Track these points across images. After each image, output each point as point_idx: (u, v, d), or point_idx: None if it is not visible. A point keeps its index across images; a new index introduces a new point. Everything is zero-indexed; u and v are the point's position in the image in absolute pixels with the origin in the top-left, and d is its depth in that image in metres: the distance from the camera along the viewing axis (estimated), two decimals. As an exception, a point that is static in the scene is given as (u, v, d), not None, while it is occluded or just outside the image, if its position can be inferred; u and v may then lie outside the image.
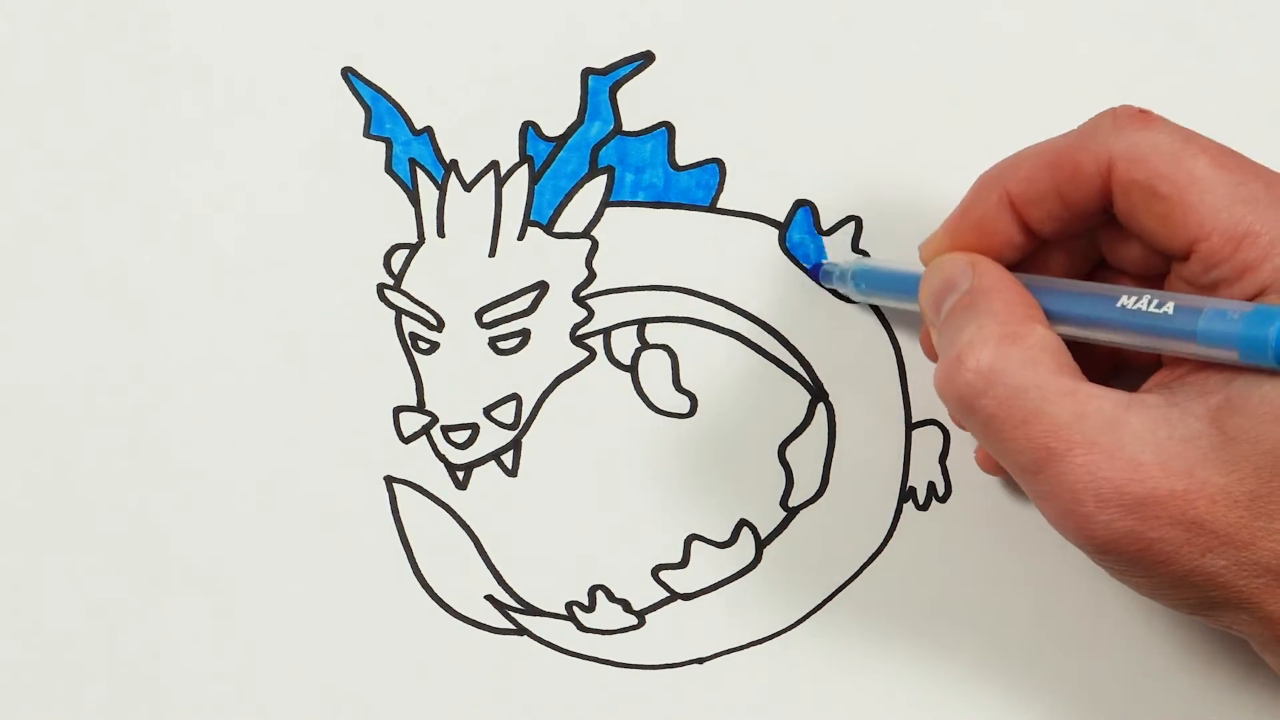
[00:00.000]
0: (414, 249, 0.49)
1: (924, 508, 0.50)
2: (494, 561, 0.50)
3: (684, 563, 0.50)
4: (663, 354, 0.49)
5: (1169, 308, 0.38)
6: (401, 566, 0.50)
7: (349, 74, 0.49)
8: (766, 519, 0.50)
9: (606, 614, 0.50)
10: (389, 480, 0.50)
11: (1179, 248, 0.39)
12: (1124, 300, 0.39)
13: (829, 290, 0.49)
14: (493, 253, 0.49)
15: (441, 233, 0.49)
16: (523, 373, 0.49)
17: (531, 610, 0.50)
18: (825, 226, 0.49)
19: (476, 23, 0.49)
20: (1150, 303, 0.39)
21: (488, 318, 0.49)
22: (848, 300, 0.49)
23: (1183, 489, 0.37)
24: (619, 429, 0.50)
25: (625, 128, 0.49)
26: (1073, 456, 0.38)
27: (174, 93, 0.49)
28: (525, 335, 0.49)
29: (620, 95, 0.49)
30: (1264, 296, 0.38)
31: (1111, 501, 0.38)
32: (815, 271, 0.49)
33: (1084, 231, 0.43)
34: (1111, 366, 0.45)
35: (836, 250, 0.49)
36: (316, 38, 0.49)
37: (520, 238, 0.49)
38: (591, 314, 0.49)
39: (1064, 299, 0.41)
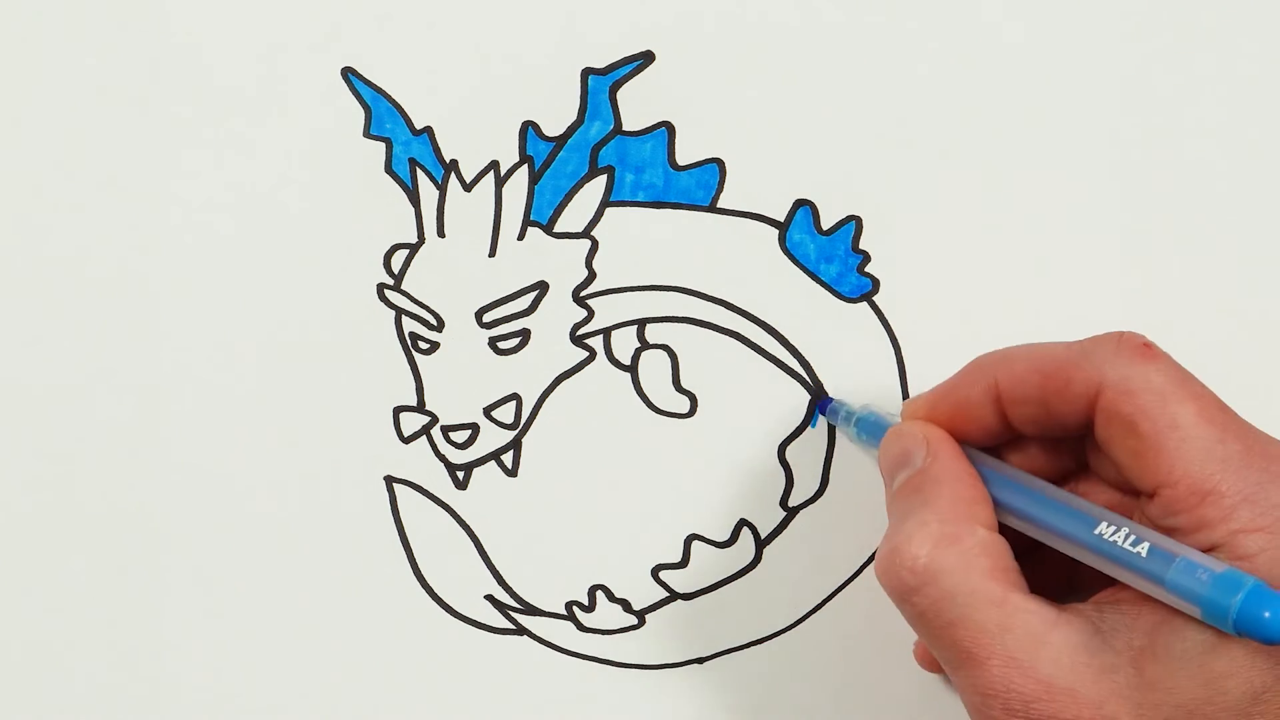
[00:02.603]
0: (414, 249, 0.49)
1: (924, 508, 0.50)
2: (494, 561, 0.50)
3: (684, 563, 0.50)
4: (663, 354, 0.49)
5: (1143, 549, 0.38)
6: (401, 566, 0.50)
7: (349, 74, 0.49)
8: (766, 519, 0.50)
9: (606, 614, 0.50)
10: (389, 480, 0.50)
11: (1146, 486, 0.39)
12: (1102, 528, 0.39)
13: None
14: (493, 253, 0.49)
15: (441, 233, 0.49)
16: (523, 373, 0.49)
17: (531, 610, 0.50)
18: (825, 226, 0.49)
19: (477, 23, 0.49)
20: (1127, 538, 0.39)
21: (488, 318, 0.49)
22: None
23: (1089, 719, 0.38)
24: (619, 429, 0.50)
25: (625, 128, 0.49)
26: (990, 665, 0.39)
27: (174, 93, 0.49)
28: (525, 335, 0.49)
29: (620, 95, 0.49)
30: (1214, 554, 0.38)
31: (1018, 714, 0.38)
32: (822, 408, 0.49)
33: (1064, 438, 0.43)
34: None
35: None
36: (316, 38, 0.49)
37: (520, 238, 0.49)
38: (591, 314, 0.49)
39: (1042, 505, 0.41)
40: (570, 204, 0.49)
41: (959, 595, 0.39)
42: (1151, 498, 0.39)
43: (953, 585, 0.39)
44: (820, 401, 0.49)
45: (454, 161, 0.49)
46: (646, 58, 0.49)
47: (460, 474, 0.50)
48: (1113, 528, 0.39)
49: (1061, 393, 0.41)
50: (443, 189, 0.49)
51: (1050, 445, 0.44)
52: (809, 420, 0.49)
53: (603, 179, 0.49)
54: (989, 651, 0.39)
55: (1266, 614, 0.35)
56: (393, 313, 0.49)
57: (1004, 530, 0.41)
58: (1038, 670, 0.38)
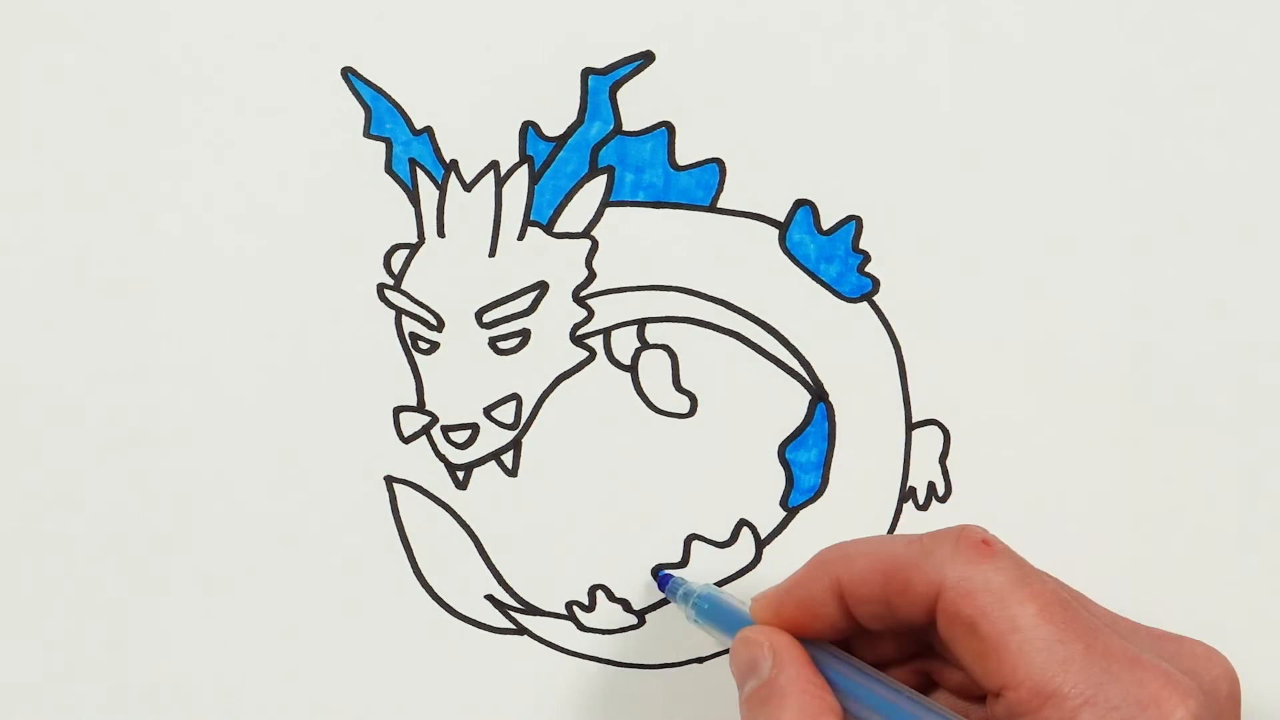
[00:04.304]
0: (414, 249, 0.49)
1: (924, 508, 0.50)
2: (494, 561, 0.50)
3: (684, 563, 0.50)
4: (663, 354, 0.49)
5: None
6: (401, 566, 0.50)
7: (349, 74, 0.49)
8: (766, 519, 0.50)
9: (606, 614, 0.50)
10: (389, 480, 0.50)
11: (990, 687, 0.39)
12: None
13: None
14: (493, 253, 0.49)
15: (441, 233, 0.49)
16: (523, 373, 0.49)
17: (531, 610, 0.50)
18: (825, 226, 0.49)
19: (477, 23, 0.49)
20: None
21: (488, 318, 0.49)
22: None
23: None
24: (619, 429, 0.50)
25: (625, 128, 0.49)
26: None
27: (174, 93, 0.49)
28: (525, 335, 0.49)
29: (620, 95, 0.49)
30: None
31: None
32: (662, 583, 0.49)
33: (910, 632, 0.43)
34: None
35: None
36: (316, 38, 0.49)
37: (520, 238, 0.49)
38: (591, 314, 0.49)
39: (893, 713, 0.41)
40: (570, 204, 0.49)
41: None
42: (997, 697, 0.39)
43: None
44: (659, 575, 0.49)
45: (454, 161, 0.49)
46: (646, 58, 0.49)
47: (460, 474, 0.50)
48: None
49: (903, 593, 0.41)
50: (443, 189, 0.49)
51: (899, 633, 0.43)
52: (809, 421, 0.49)
53: (603, 179, 0.49)
54: None
55: None
56: (393, 313, 0.49)
57: None
58: None
